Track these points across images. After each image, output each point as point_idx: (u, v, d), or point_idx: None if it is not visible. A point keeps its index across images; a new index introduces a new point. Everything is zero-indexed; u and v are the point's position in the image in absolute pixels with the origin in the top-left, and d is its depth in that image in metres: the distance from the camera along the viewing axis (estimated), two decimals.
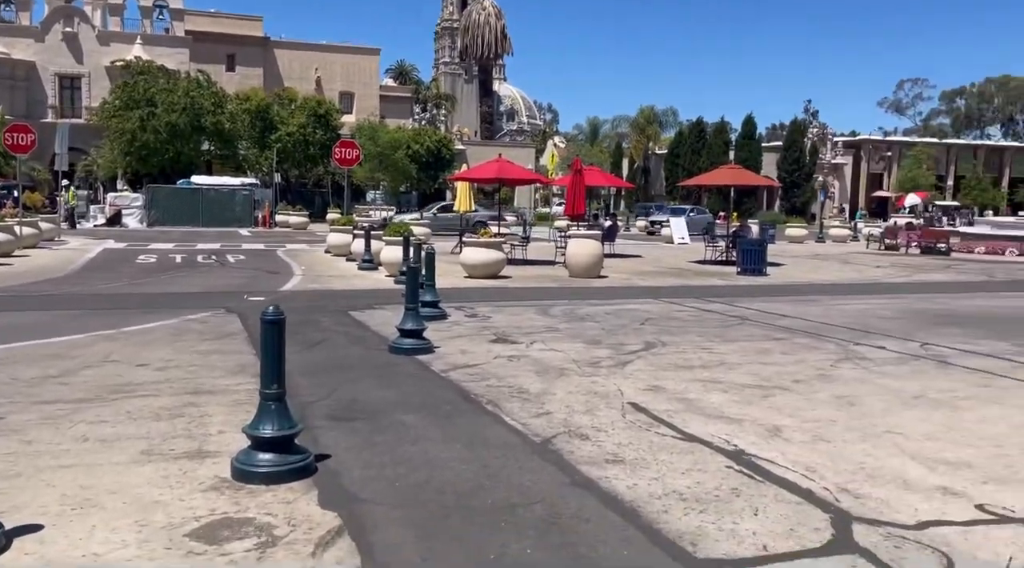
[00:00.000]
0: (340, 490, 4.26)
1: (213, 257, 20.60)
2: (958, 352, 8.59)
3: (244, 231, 34.33)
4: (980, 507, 4.15)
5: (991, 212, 55.29)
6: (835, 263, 23.07)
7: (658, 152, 71.25)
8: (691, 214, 37.83)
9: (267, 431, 4.39)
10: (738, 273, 18.37)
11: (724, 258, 21.51)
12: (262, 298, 12.10)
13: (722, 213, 39.26)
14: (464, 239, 17.82)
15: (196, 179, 39.32)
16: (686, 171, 55.86)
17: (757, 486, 4.41)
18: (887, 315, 11.79)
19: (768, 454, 4.96)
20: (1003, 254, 26.59)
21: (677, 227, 32.36)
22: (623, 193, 62.55)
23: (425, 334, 8.24)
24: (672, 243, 30.96)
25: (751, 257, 18.45)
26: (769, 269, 18.65)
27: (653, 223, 40.47)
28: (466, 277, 15.75)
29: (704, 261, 21.75)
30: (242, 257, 20.90)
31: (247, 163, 45.28)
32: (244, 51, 54.42)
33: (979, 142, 79.69)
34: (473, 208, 27.43)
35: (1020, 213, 60.14)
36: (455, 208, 27.89)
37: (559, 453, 4.93)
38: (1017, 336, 9.79)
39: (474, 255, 15.99)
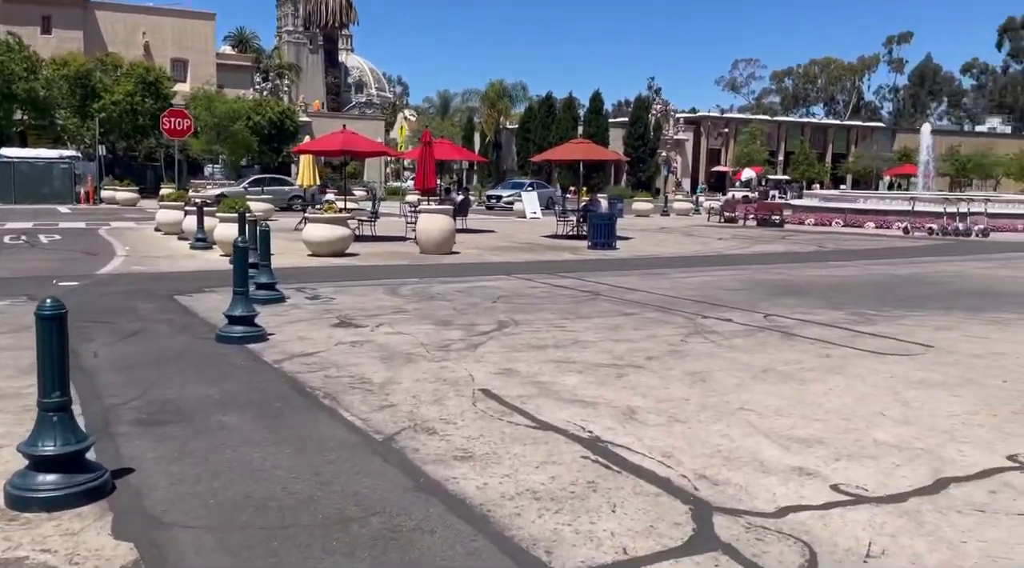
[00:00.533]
0: (141, 513, 3.62)
1: (23, 237, 18.55)
2: (799, 322, 8.79)
3: (63, 208, 31.45)
4: (835, 487, 4.05)
5: (817, 185, 59.10)
6: (680, 236, 23.76)
7: (509, 126, 71.26)
8: (528, 188, 37.16)
9: (48, 448, 3.68)
10: (589, 247, 18.47)
11: (575, 232, 21.62)
12: (75, 283, 10.90)
13: (572, 188, 39.68)
14: (307, 214, 16.86)
15: (6, 151, 35.69)
16: (537, 146, 56.11)
17: (614, 478, 4.13)
18: (731, 287, 12.05)
19: (624, 440, 4.71)
20: (830, 225, 28.34)
21: (529, 201, 32.40)
22: (476, 167, 62.31)
23: (258, 320, 7.53)
24: (525, 217, 30.98)
25: (601, 231, 18.60)
26: (618, 243, 18.91)
27: (490, 197, 40.06)
28: (309, 255, 14.92)
29: (556, 236, 21.81)
30: (57, 237, 18.95)
31: (67, 134, 41.54)
32: (61, 12, 49.63)
33: (806, 120, 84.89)
34: (317, 182, 26.28)
35: (842, 186, 64.88)
36: (298, 182, 26.60)
37: (403, 452, 4.47)
38: (849, 304, 10.20)
39: (318, 232, 15.14)
